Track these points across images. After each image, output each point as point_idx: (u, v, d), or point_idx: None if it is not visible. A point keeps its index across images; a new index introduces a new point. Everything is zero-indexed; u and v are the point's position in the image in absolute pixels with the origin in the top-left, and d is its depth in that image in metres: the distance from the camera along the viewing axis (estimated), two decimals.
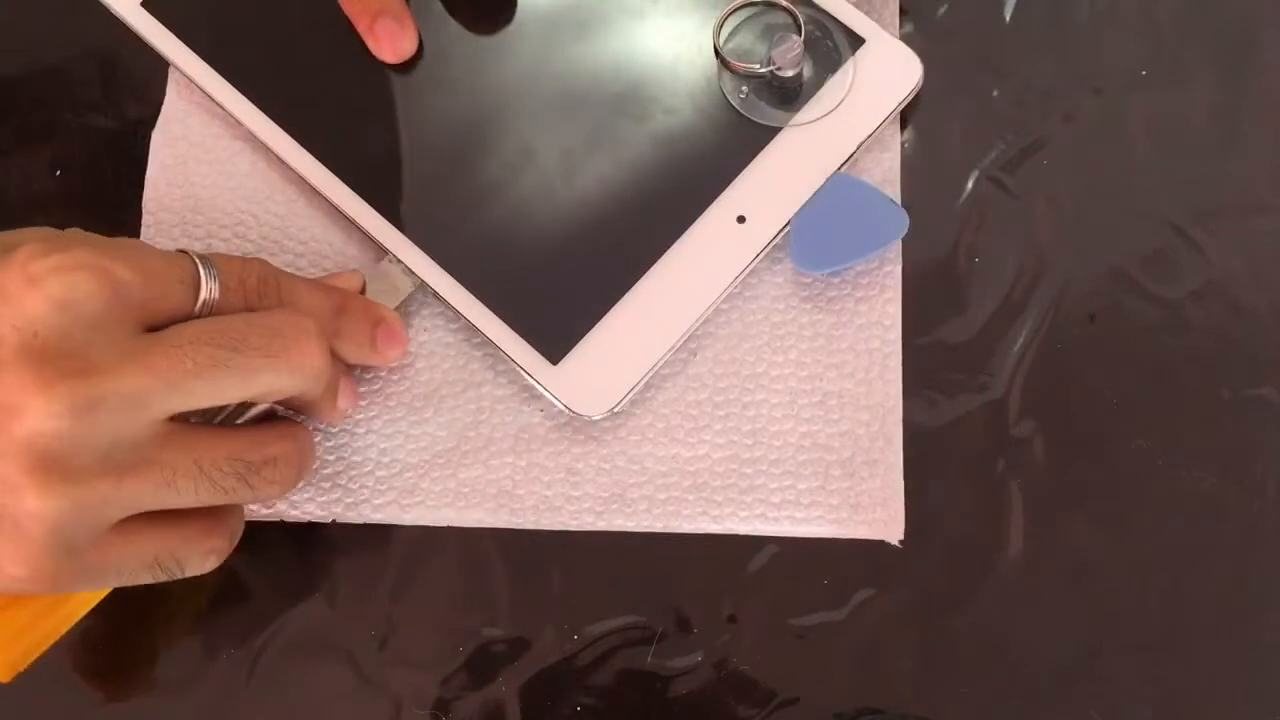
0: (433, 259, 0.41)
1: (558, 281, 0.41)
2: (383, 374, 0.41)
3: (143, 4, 0.44)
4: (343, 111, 0.43)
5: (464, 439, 0.41)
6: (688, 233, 0.40)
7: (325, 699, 0.39)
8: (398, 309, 0.41)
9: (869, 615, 0.39)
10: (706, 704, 0.38)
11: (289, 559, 0.40)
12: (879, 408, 0.40)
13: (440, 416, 0.41)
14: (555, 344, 0.40)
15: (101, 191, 0.44)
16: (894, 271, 0.41)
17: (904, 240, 0.41)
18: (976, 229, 0.42)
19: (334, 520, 0.40)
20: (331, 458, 0.41)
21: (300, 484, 0.39)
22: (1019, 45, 0.43)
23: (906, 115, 0.42)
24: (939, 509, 0.39)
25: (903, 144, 0.42)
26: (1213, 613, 0.38)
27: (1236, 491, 0.39)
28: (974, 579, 0.39)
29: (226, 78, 0.43)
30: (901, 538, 0.39)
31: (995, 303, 0.41)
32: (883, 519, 0.39)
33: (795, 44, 0.41)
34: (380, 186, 0.42)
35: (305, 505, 0.40)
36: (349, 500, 0.40)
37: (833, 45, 0.42)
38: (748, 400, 0.40)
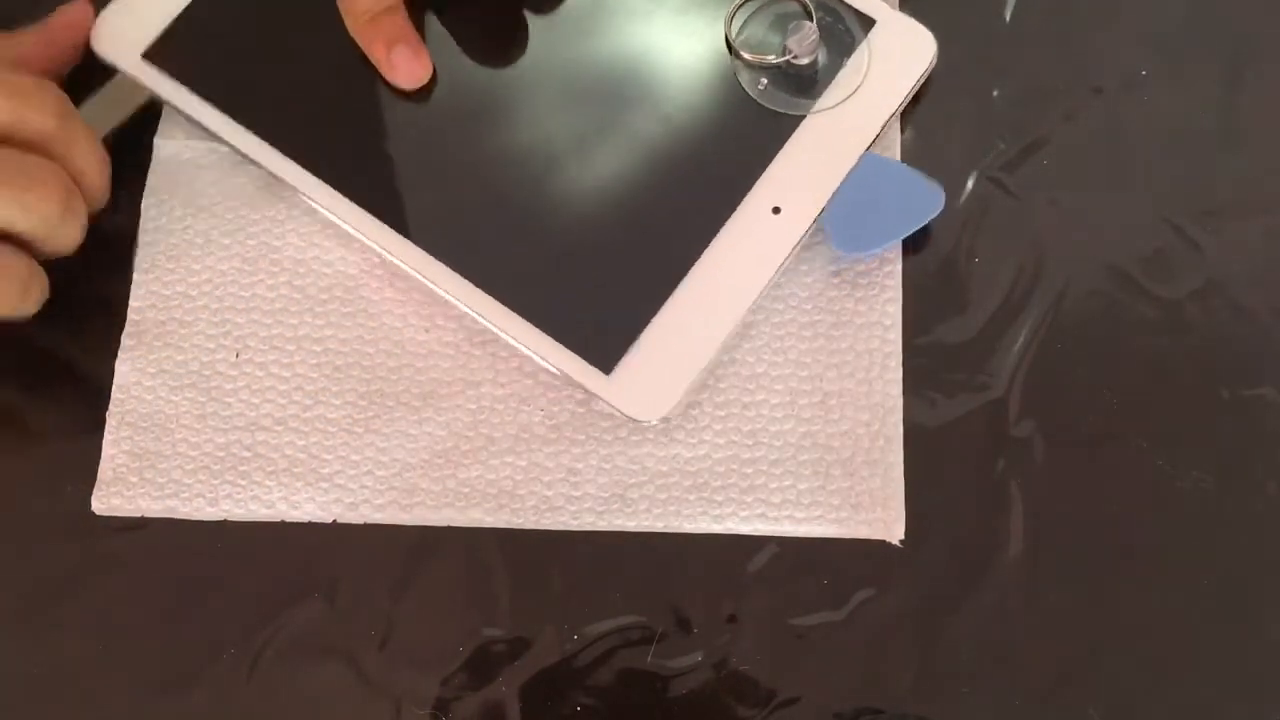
0: (472, 283, 0.40)
1: (601, 291, 0.40)
2: (382, 374, 0.41)
3: (143, 56, 0.43)
4: (365, 145, 0.43)
5: (464, 439, 0.41)
6: (724, 228, 0.40)
7: (325, 699, 0.39)
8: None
9: (869, 615, 0.39)
10: (706, 704, 0.38)
11: (289, 559, 0.40)
12: (879, 408, 0.40)
13: (440, 416, 0.41)
14: (606, 354, 0.40)
15: None
16: (894, 271, 0.41)
17: (904, 241, 0.41)
18: (976, 229, 0.42)
19: (334, 520, 0.40)
20: (330, 457, 0.41)
21: (21, 307, 0.40)
22: (1019, 45, 0.43)
23: (906, 116, 0.42)
24: (939, 509, 0.39)
25: (903, 144, 0.42)
26: (1213, 612, 0.38)
27: (1236, 491, 0.39)
28: (974, 579, 0.39)
29: (237, 120, 0.43)
30: (902, 537, 0.39)
31: (995, 303, 0.41)
32: (883, 519, 0.39)
33: (810, 31, 0.41)
34: (413, 218, 0.41)
35: (305, 505, 0.40)
36: (349, 500, 0.40)
37: (845, 28, 0.42)
38: (748, 400, 0.40)
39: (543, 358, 0.40)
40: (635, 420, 0.39)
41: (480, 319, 0.40)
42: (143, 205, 0.43)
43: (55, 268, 0.43)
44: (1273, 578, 0.38)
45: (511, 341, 0.40)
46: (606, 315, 0.40)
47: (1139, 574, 0.38)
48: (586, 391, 0.39)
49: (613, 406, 0.39)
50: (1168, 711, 0.38)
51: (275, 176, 0.42)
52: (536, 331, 0.40)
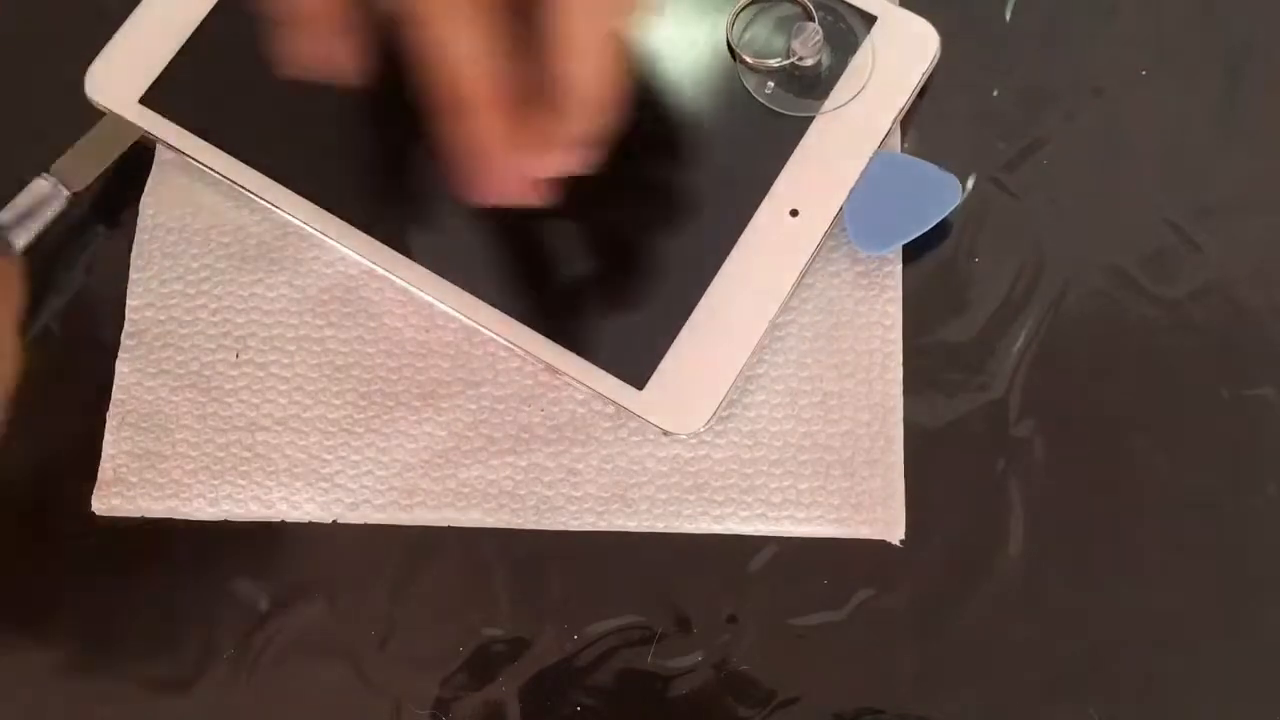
0: (496, 308, 0.40)
1: (626, 306, 0.40)
2: (382, 374, 0.41)
3: (140, 101, 0.43)
4: (376, 177, 0.42)
5: (464, 439, 0.41)
6: (744, 235, 0.40)
7: (325, 699, 0.39)
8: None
9: (869, 615, 0.39)
10: (706, 704, 0.38)
11: (289, 559, 0.40)
12: (879, 408, 0.40)
13: (440, 416, 0.41)
14: (637, 369, 0.39)
15: (101, 195, 0.44)
16: (894, 271, 0.41)
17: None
18: (976, 229, 0.42)
19: (334, 521, 0.40)
20: (330, 457, 0.41)
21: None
22: (1019, 45, 0.43)
23: (907, 116, 0.42)
24: (939, 509, 0.39)
25: (903, 144, 0.42)
26: (1213, 613, 0.38)
27: (1236, 491, 0.39)
28: (974, 579, 0.39)
29: (241, 159, 0.42)
30: (902, 537, 0.39)
31: (995, 303, 0.41)
32: (883, 519, 0.39)
33: (814, 31, 0.41)
34: (434, 248, 0.41)
35: (305, 505, 0.40)
36: (349, 500, 0.40)
37: (847, 27, 0.42)
38: (748, 400, 0.40)
39: (574, 378, 0.40)
40: (672, 434, 0.39)
41: (510, 344, 0.40)
42: (141, 204, 0.43)
43: (57, 266, 0.43)
44: (1273, 578, 0.38)
45: (546, 363, 0.40)
46: (634, 330, 0.40)
47: (1139, 574, 0.38)
48: (620, 408, 0.39)
49: (649, 422, 0.39)
50: (1168, 711, 0.38)
51: (287, 216, 0.42)
52: (566, 352, 0.40)
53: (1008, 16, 0.44)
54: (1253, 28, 0.43)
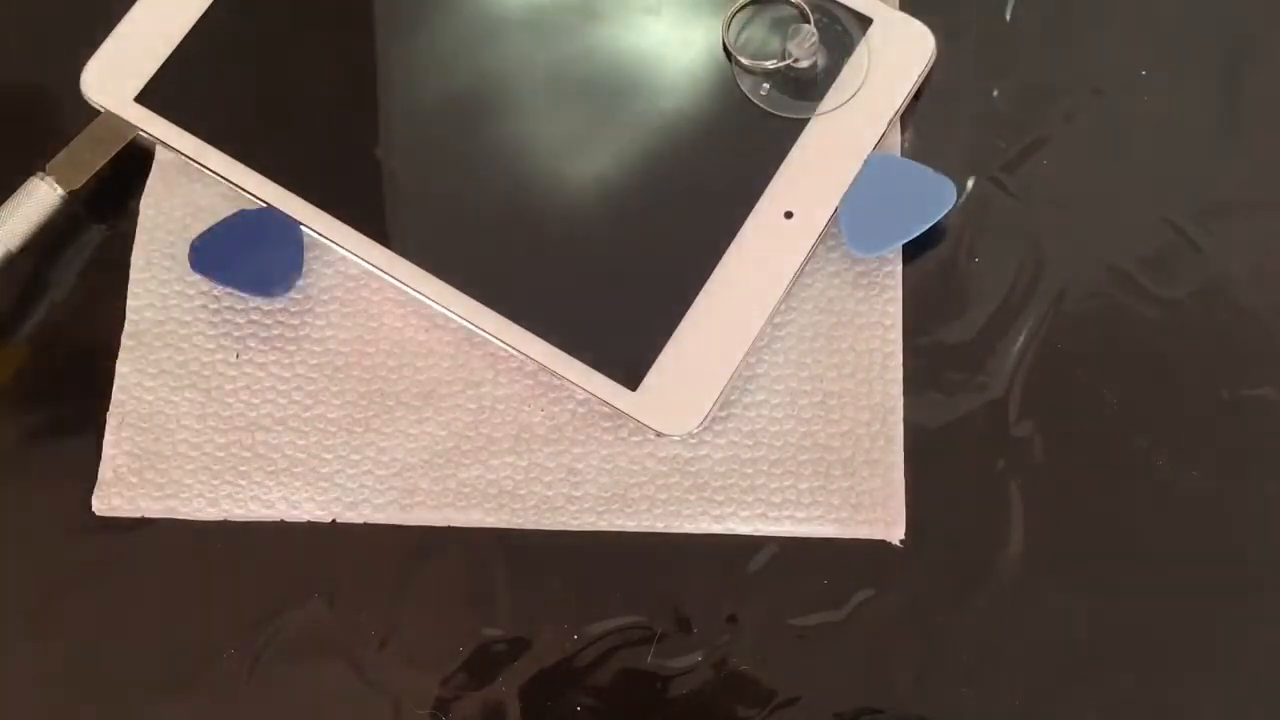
0: (491, 308, 0.40)
1: (620, 307, 0.40)
2: (382, 373, 0.41)
3: (136, 99, 0.43)
4: (374, 176, 0.42)
5: (464, 438, 0.41)
6: (738, 237, 0.40)
7: (325, 699, 0.39)
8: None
9: (869, 615, 0.39)
10: (706, 704, 0.38)
11: (289, 559, 0.40)
12: (879, 408, 0.40)
13: (440, 416, 0.41)
14: (630, 370, 0.39)
15: (100, 195, 0.44)
16: (894, 271, 0.41)
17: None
18: (976, 229, 0.42)
19: (334, 520, 0.40)
20: (330, 457, 0.41)
21: None
22: (1019, 45, 0.43)
23: (906, 116, 0.42)
24: (939, 509, 0.39)
25: (903, 145, 0.42)
26: (1212, 612, 0.38)
27: (1236, 491, 0.39)
28: (974, 579, 0.39)
29: (238, 158, 0.42)
30: (902, 537, 0.39)
31: (995, 303, 0.41)
32: (883, 519, 0.39)
33: (810, 33, 0.41)
34: (429, 247, 0.41)
35: (305, 505, 0.40)
36: (348, 500, 0.40)
37: (842, 29, 0.42)
38: (748, 400, 0.40)
39: (567, 378, 0.40)
40: (664, 435, 0.39)
41: (503, 344, 0.40)
42: (141, 204, 0.43)
43: (56, 266, 0.43)
44: (1273, 578, 0.38)
45: (539, 363, 0.40)
46: (628, 331, 0.40)
47: (1139, 574, 0.38)
48: (613, 409, 0.39)
49: (641, 423, 0.39)
50: (1167, 711, 0.38)
51: (282, 215, 0.42)
52: (559, 353, 0.40)
53: (1008, 16, 0.44)
54: (1252, 28, 0.43)
